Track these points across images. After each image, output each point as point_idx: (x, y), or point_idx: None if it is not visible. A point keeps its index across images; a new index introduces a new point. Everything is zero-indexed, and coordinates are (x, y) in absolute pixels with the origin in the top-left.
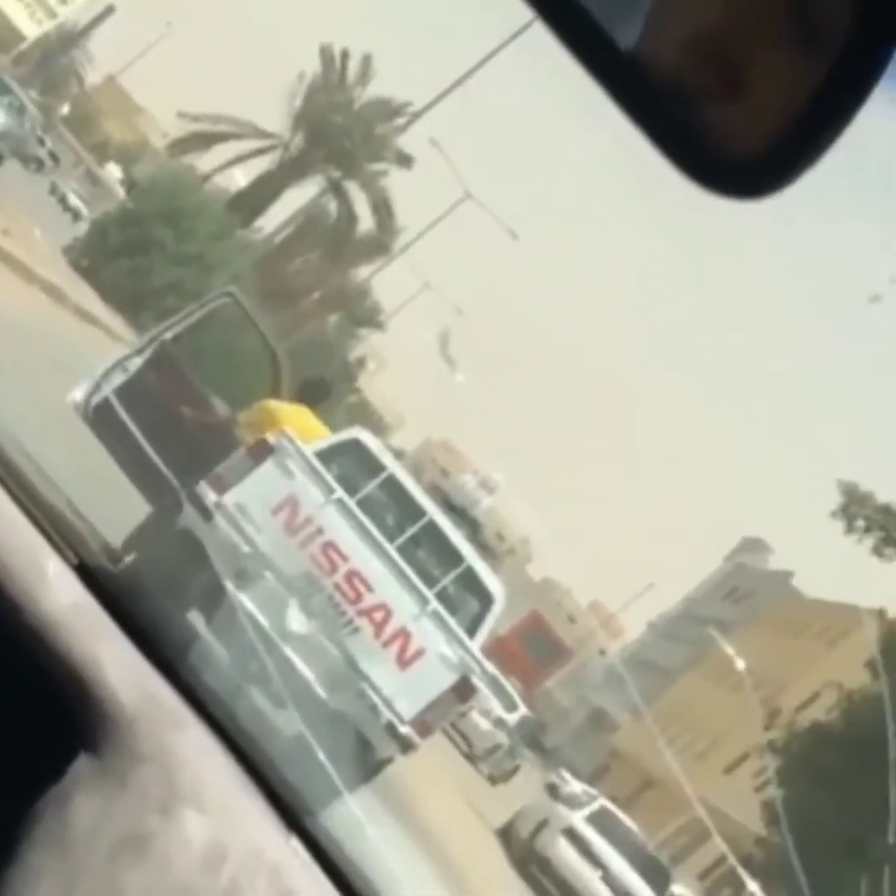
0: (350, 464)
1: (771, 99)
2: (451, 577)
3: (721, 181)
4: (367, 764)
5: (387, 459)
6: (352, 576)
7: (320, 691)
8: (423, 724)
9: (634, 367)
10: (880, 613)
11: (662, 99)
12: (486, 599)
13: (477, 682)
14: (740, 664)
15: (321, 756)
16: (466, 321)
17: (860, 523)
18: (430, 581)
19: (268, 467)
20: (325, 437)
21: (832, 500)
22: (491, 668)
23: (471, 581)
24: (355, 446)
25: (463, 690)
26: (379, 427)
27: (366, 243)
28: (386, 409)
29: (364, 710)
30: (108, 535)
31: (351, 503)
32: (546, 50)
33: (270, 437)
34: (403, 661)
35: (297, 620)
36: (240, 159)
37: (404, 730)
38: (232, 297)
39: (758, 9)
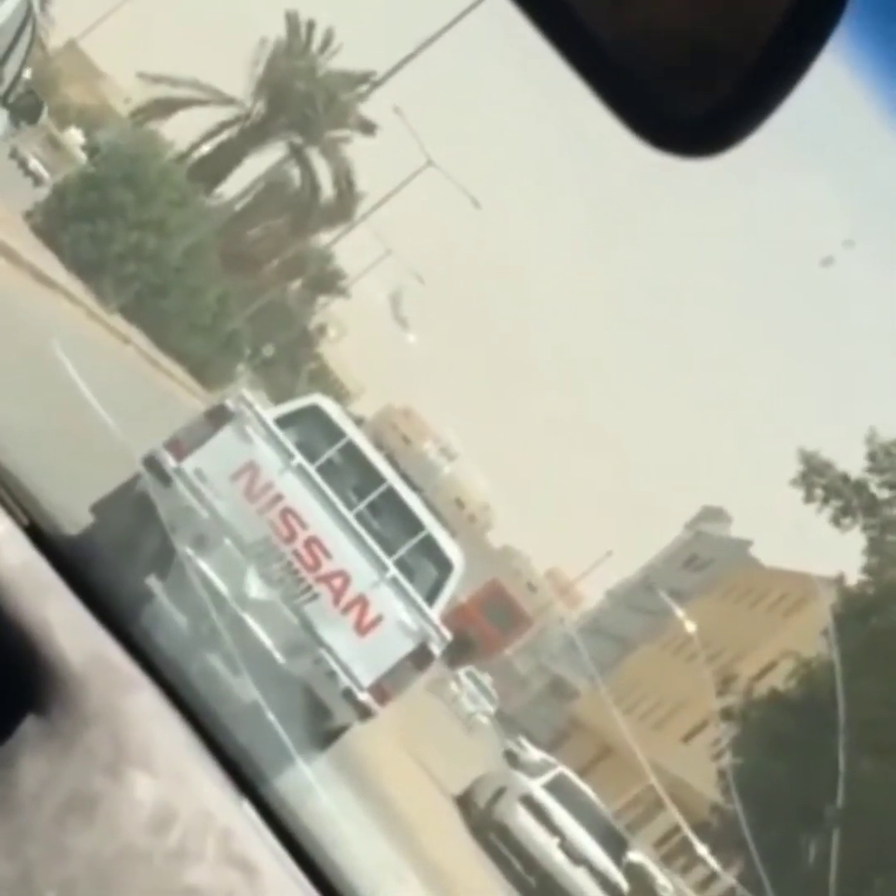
0: (310, 430)
1: (719, 55)
2: (411, 545)
3: (670, 140)
4: (324, 730)
5: (346, 426)
6: (311, 543)
7: (278, 657)
8: (381, 692)
9: (593, 334)
10: (837, 582)
11: (615, 60)
12: (444, 567)
13: (435, 649)
14: (697, 633)
15: (275, 721)
16: (427, 288)
17: (819, 492)
18: (389, 548)
19: (226, 433)
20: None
21: (792, 469)
22: (449, 636)
23: (430, 548)
24: (315, 412)
25: (421, 658)
26: (339, 394)
27: (327, 210)
28: (346, 375)
29: (322, 676)
30: (72, 501)
31: (311, 470)
32: (508, 18)
33: (229, 403)
34: (362, 628)
35: (255, 587)
36: (205, 138)
37: (363, 697)
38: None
39: None
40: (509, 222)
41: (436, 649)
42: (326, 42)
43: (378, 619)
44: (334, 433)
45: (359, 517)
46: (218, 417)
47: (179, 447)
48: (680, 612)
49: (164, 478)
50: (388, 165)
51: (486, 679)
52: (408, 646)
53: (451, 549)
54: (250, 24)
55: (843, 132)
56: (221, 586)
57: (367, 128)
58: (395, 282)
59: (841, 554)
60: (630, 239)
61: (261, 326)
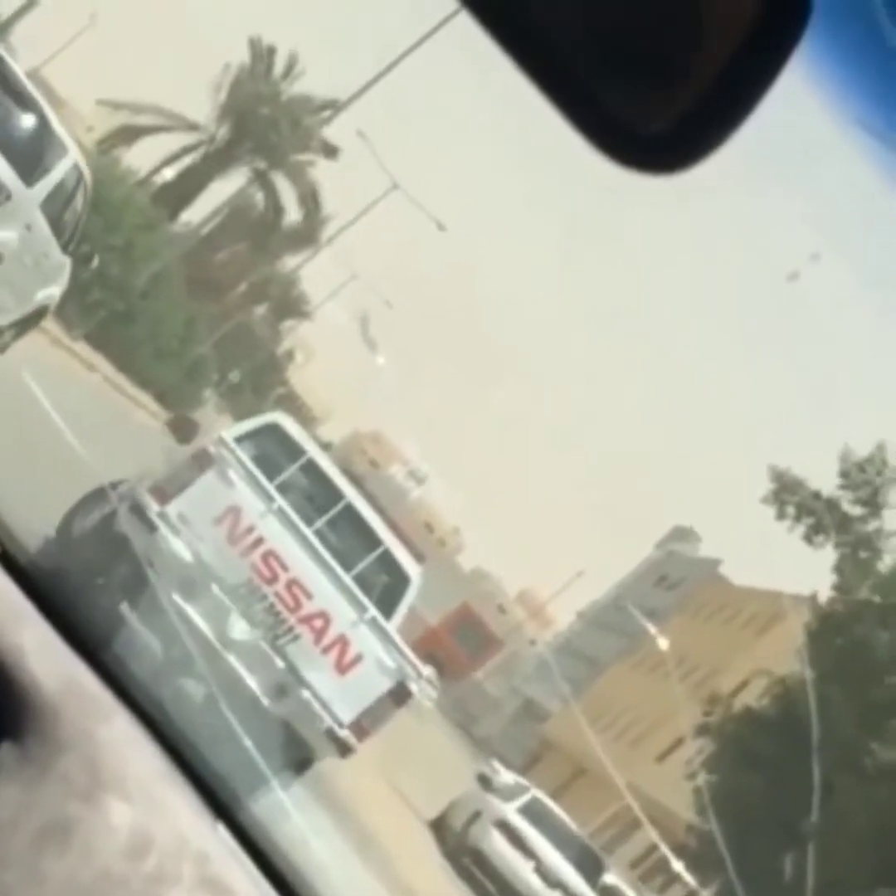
0: (270, 448)
1: (683, 70)
2: (369, 560)
3: (635, 156)
4: (305, 766)
5: (307, 444)
6: (292, 584)
7: (262, 697)
8: (361, 728)
9: (560, 354)
10: (811, 600)
11: (579, 76)
12: (402, 580)
13: (412, 686)
14: (670, 652)
15: (252, 748)
16: (395, 310)
17: (791, 510)
18: (347, 563)
19: (209, 477)
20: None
21: (764, 487)
22: (425, 671)
23: (388, 563)
24: (275, 430)
25: (399, 695)
26: (307, 419)
27: (292, 234)
28: (314, 400)
29: (304, 715)
30: (43, 527)
31: (291, 513)
32: (472, 39)
33: (211, 447)
34: (342, 668)
35: (239, 629)
36: (168, 161)
37: (343, 734)
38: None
39: None
40: (475, 244)
41: (413, 686)
42: (290, 66)
43: (358, 659)
44: (294, 451)
45: (318, 533)
46: (200, 462)
47: (163, 492)
48: (652, 631)
49: (148, 524)
50: (353, 189)
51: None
52: (386, 684)
53: (408, 563)
54: (213, 50)
55: (805, 144)
56: (205, 628)
57: (331, 151)
58: (362, 305)
59: (813, 571)
60: (596, 257)
61: (227, 352)
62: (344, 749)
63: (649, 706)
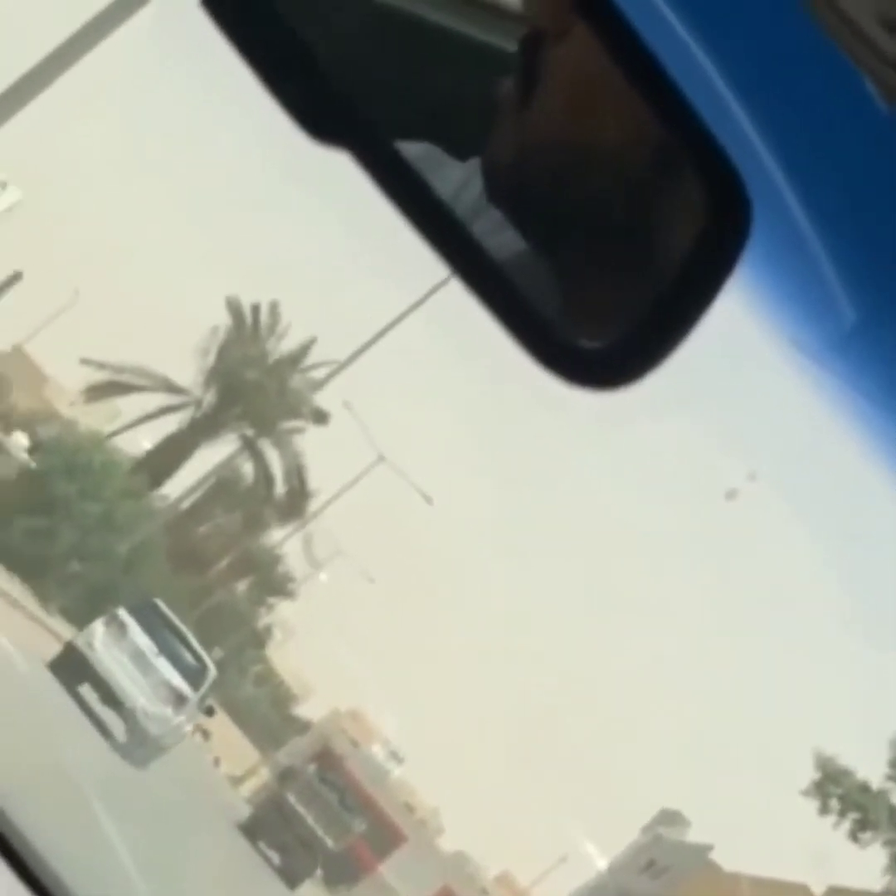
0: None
1: (626, 292)
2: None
3: (578, 373)
4: None
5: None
6: None
7: None
8: None
9: (537, 622)
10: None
11: (529, 301)
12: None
13: None
14: None
15: None
16: (376, 587)
17: (835, 803)
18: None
19: None
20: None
21: (803, 776)
22: None
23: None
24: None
25: None
26: (286, 697)
27: (279, 507)
28: (293, 678)
29: None
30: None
31: None
32: (457, 310)
33: None
34: None
35: None
36: (149, 417)
37: None
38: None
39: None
40: (464, 518)
41: None
42: (276, 329)
43: None
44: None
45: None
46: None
47: None
48: None
49: None
50: (340, 459)
51: None
52: None
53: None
54: (201, 316)
55: (739, 364)
56: None
57: (321, 417)
58: (347, 584)
59: (859, 869)
60: (576, 514)
61: (207, 628)
62: None
63: None
